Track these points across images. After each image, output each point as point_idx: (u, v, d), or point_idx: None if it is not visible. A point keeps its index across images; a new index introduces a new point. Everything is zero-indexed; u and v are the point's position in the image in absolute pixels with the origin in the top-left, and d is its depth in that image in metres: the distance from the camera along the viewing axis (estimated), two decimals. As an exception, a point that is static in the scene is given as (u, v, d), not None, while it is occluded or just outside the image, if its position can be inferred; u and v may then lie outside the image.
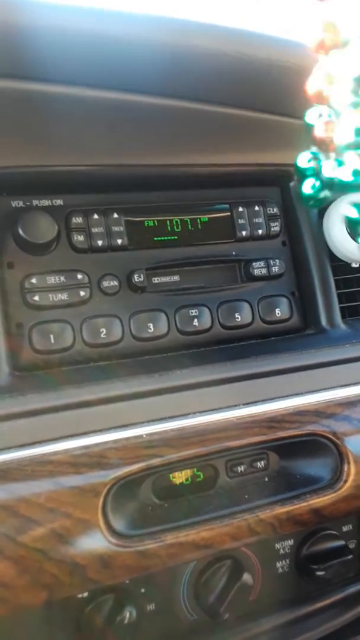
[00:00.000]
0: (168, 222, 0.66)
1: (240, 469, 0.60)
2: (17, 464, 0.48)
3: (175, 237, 0.67)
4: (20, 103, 0.53)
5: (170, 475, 0.58)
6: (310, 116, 0.36)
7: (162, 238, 0.66)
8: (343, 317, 0.70)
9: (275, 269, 0.69)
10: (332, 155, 0.37)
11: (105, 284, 0.61)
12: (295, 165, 0.37)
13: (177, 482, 0.58)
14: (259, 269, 0.68)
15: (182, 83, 0.55)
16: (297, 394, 0.61)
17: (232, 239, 0.69)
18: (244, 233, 0.69)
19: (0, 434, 0.50)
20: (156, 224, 0.66)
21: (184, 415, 0.57)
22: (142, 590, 0.61)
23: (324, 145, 0.37)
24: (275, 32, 0.60)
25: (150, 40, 0.53)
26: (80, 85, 0.55)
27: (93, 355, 0.59)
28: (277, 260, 0.69)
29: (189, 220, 0.67)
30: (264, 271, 0.69)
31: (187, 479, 0.59)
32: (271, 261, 0.69)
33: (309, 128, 0.37)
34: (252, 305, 0.67)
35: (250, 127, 0.63)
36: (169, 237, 0.66)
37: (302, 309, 0.70)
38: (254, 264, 0.68)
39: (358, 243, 0.69)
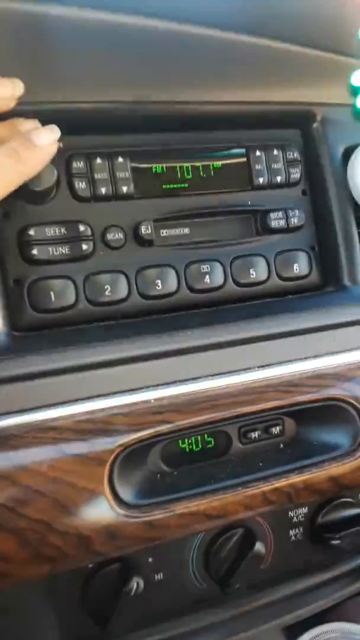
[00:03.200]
0: (178, 168, 0.60)
1: (254, 435, 0.56)
2: (17, 431, 0.45)
3: (186, 185, 0.60)
4: (17, 26, 0.46)
5: (180, 442, 0.54)
6: None
7: (172, 186, 0.60)
8: (367, 273, 0.65)
9: (294, 221, 0.63)
10: None
11: (109, 236, 0.56)
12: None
13: (187, 449, 0.55)
14: (276, 220, 0.63)
15: (212, 7, 0.48)
16: (316, 356, 0.57)
17: (248, 187, 0.62)
18: (261, 180, 0.62)
19: (-2, 398, 0.46)
20: (165, 170, 0.60)
21: (195, 379, 0.53)
22: (150, 559, 0.58)
23: None
24: None
25: None
26: (89, 7, 0.48)
27: (97, 314, 0.55)
28: (296, 211, 0.63)
29: (200, 166, 0.61)
30: (281, 223, 0.63)
31: (197, 446, 0.55)
32: (290, 212, 0.63)
33: None
34: (268, 261, 0.62)
35: (275, 60, 0.56)
36: (179, 185, 0.60)
37: (322, 264, 0.65)
38: (271, 214, 0.62)
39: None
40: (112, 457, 0.47)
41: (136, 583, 0.53)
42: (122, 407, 0.49)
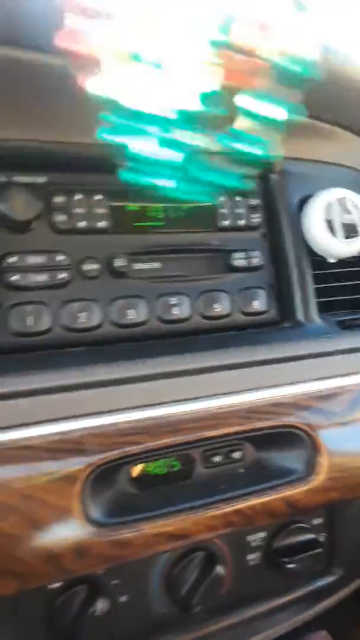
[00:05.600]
0: (151, 207, 0.65)
1: (217, 459, 0.59)
2: (-10, 448, 0.46)
3: (158, 224, 0.65)
4: (10, 70, 0.51)
5: (147, 465, 0.57)
6: None
7: (145, 224, 0.65)
8: (319, 311, 0.71)
9: (254, 261, 0.69)
10: None
11: (85, 267, 0.59)
12: None
13: (154, 472, 0.57)
14: (239, 259, 0.68)
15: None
16: (274, 386, 0.61)
17: (214, 228, 0.68)
18: (225, 223, 0.68)
19: (-28, 416, 0.47)
20: (139, 208, 0.64)
21: (163, 404, 0.56)
22: (115, 582, 0.59)
23: None
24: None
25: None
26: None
27: (71, 340, 0.57)
28: (256, 252, 0.69)
29: (171, 207, 0.66)
30: (243, 262, 0.68)
31: (163, 469, 0.57)
32: (251, 252, 0.69)
33: None
34: (231, 296, 0.67)
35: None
36: (152, 223, 0.65)
37: (280, 302, 0.70)
38: (234, 254, 0.68)
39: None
40: (83, 476, 0.48)
41: (102, 604, 0.53)
42: (94, 428, 0.51)
